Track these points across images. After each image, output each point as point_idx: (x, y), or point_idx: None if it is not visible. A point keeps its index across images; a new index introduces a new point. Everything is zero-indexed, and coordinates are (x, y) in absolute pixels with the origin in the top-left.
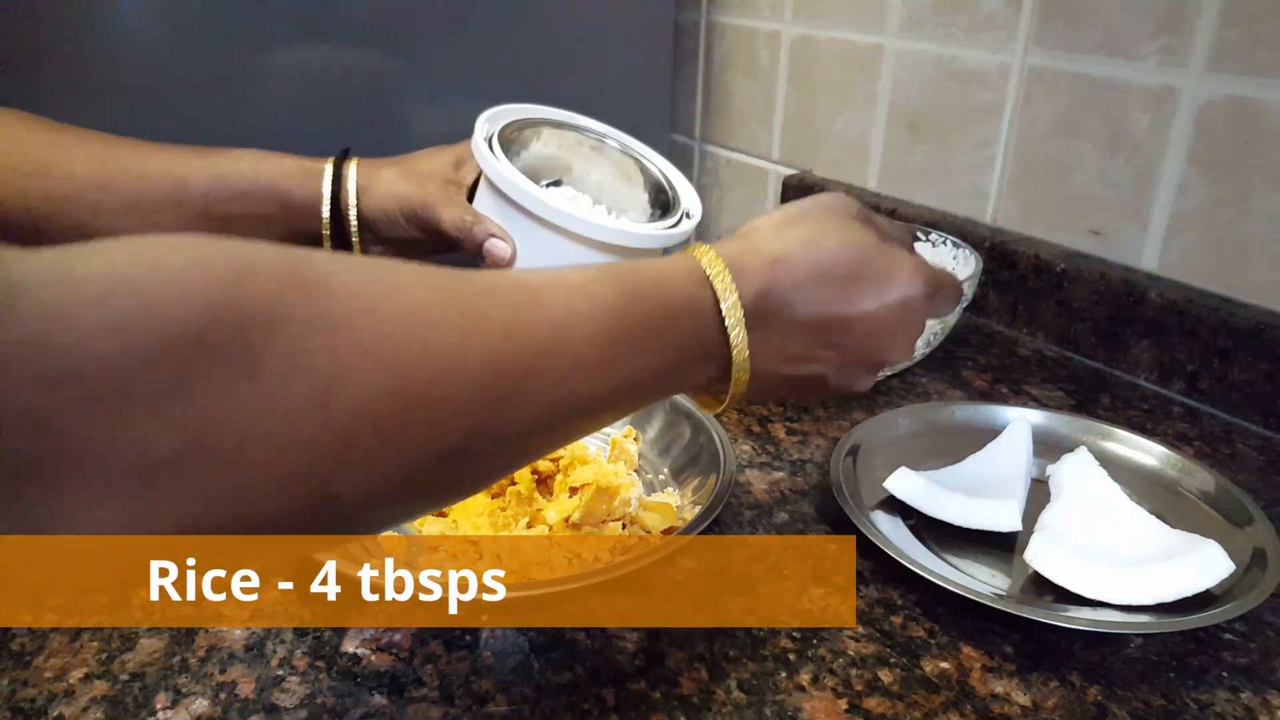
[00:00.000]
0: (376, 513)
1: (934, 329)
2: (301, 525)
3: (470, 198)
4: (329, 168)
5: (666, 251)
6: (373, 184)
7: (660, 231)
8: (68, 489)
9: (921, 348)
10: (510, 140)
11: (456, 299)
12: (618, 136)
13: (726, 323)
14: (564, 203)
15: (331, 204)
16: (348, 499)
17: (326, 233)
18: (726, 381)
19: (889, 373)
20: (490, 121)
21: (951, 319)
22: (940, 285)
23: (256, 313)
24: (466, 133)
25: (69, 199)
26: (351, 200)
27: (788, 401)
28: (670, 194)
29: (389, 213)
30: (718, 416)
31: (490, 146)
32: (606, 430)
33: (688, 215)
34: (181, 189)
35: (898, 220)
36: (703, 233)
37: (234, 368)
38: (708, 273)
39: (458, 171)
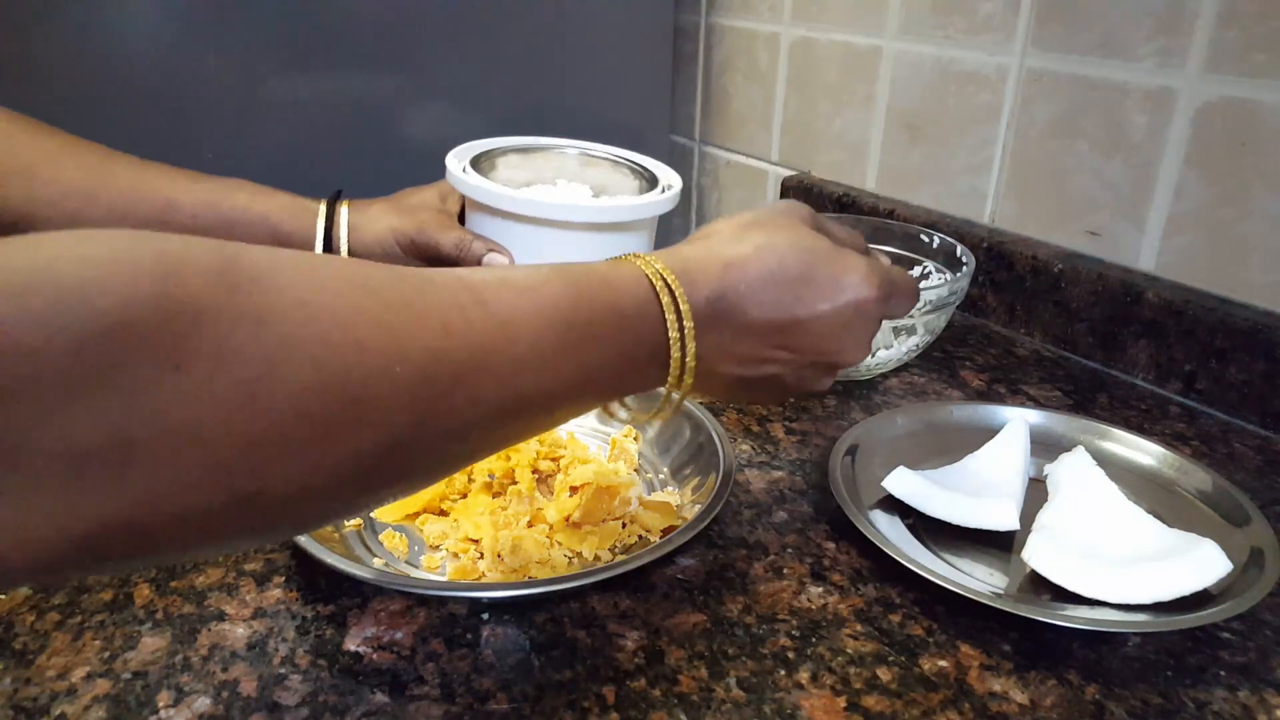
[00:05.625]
0: (305, 507)
1: (922, 334)
2: (229, 520)
3: (460, 224)
4: (323, 206)
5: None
6: (364, 221)
7: (650, 199)
8: None
9: (907, 350)
10: (482, 170)
11: (395, 296)
12: (577, 145)
13: (669, 332)
14: (546, 195)
15: (325, 241)
16: (275, 493)
17: None
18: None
19: (852, 374)
20: (459, 157)
21: (941, 321)
22: (895, 287)
23: (183, 306)
24: (466, 135)
25: (51, 204)
26: (343, 234)
27: (749, 405)
28: (647, 174)
29: (385, 245)
30: (714, 414)
31: (464, 172)
32: (607, 430)
33: (670, 187)
34: (170, 209)
35: (896, 221)
36: None
37: (159, 360)
38: (663, 278)
39: (444, 203)
